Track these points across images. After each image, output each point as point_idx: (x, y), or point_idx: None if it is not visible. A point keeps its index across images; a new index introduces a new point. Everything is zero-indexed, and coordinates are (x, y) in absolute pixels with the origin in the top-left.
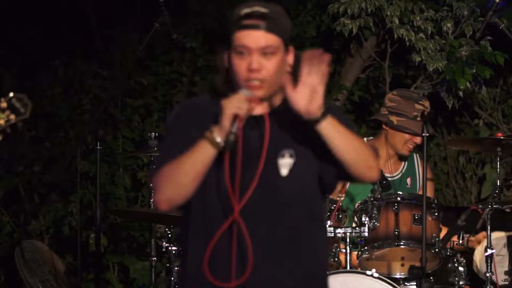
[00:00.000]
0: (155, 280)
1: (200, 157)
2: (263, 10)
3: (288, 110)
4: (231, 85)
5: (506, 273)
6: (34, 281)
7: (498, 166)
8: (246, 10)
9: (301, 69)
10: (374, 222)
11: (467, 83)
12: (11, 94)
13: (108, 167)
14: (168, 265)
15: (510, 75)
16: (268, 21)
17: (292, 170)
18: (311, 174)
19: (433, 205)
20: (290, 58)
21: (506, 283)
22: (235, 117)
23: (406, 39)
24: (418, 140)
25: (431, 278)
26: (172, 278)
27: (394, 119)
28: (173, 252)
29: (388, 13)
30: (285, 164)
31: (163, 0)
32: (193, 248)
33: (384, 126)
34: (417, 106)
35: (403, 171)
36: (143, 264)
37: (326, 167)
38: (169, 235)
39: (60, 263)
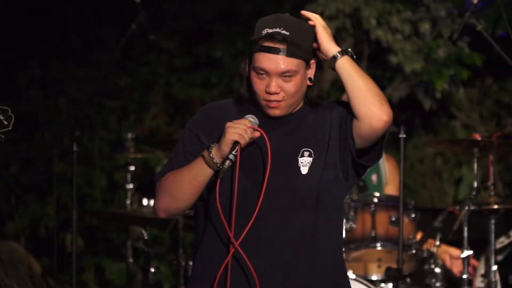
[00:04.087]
0: (131, 282)
1: (196, 174)
2: (284, 32)
3: (306, 113)
4: (251, 94)
5: (482, 275)
6: (10, 282)
7: (475, 168)
8: (268, 31)
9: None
10: (350, 224)
11: (445, 84)
12: None
13: (85, 169)
14: (144, 266)
15: (487, 76)
16: (289, 45)
17: (311, 168)
18: (328, 171)
19: (410, 206)
20: (312, 72)
21: (483, 285)
22: (235, 143)
23: (384, 40)
24: None
25: (408, 279)
26: (147, 280)
27: None
28: (149, 254)
29: (366, 15)
30: (304, 162)
31: (139, 0)
32: (200, 259)
33: None
34: None
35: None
36: (119, 265)
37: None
38: (146, 237)
39: (36, 265)
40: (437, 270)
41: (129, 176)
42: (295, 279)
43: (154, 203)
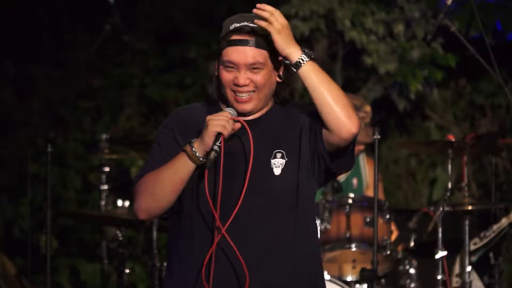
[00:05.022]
0: (106, 283)
1: (178, 170)
2: (251, 25)
3: (278, 115)
4: (221, 93)
5: (457, 275)
6: None
7: (450, 169)
8: (235, 25)
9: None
10: (325, 225)
11: (419, 86)
12: None
13: (59, 169)
14: (119, 267)
15: (461, 77)
16: (257, 36)
17: (284, 169)
18: (300, 173)
19: (385, 207)
20: (281, 69)
21: (458, 285)
22: (218, 135)
23: (358, 41)
24: (360, 147)
25: (383, 280)
26: (122, 281)
27: None
28: (124, 254)
29: (340, 16)
30: (277, 164)
31: (113, 1)
32: (181, 258)
33: None
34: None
35: (348, 173)
36: (94, 266)
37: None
38: (120, 238)
39: (10, 266)
40: (412, 271)
41: (103, 177)
42: (273, 280)
43: (134, 205)
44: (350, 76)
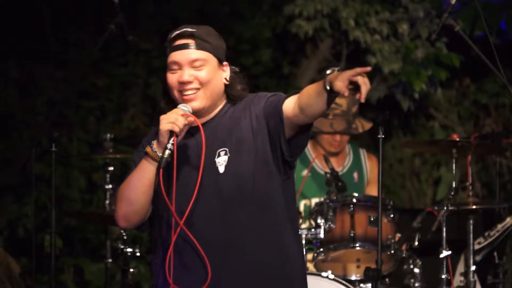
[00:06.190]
0: (110, 282)
1: (145, 172)
2: (190, 30)
3: (222, 118)
4: (173, 104)
5: (461, 274)
6: None
7: (454, 168)
8: (176, 32)
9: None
10: (329, 224)
11: (423, 85)
12: None
13: (63, 169)
14: (123, 267)
15: (465, 77)
16: (196, 39)
17: (227, 166)
18: (249, 167)
19: (389, 207)
20: (227, 74)
21: (462, 284)
22: (171, 133)
23: (362, 41)
24: (337, 137)
25: (387, 280)
26: (126, 280)
27: None
28: (128, 254)
29: (344, 15)
30: (221, 162)
31: (118, 1)
32: (154, 261)
33: None
34: None
35: (348, 165)
36: (98, 266)
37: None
38: (124, 237)
39: (15, 265)
40: (416, 270)
41: (108, 176)
42: (236, 277)
43: (114, 214)
44: None
